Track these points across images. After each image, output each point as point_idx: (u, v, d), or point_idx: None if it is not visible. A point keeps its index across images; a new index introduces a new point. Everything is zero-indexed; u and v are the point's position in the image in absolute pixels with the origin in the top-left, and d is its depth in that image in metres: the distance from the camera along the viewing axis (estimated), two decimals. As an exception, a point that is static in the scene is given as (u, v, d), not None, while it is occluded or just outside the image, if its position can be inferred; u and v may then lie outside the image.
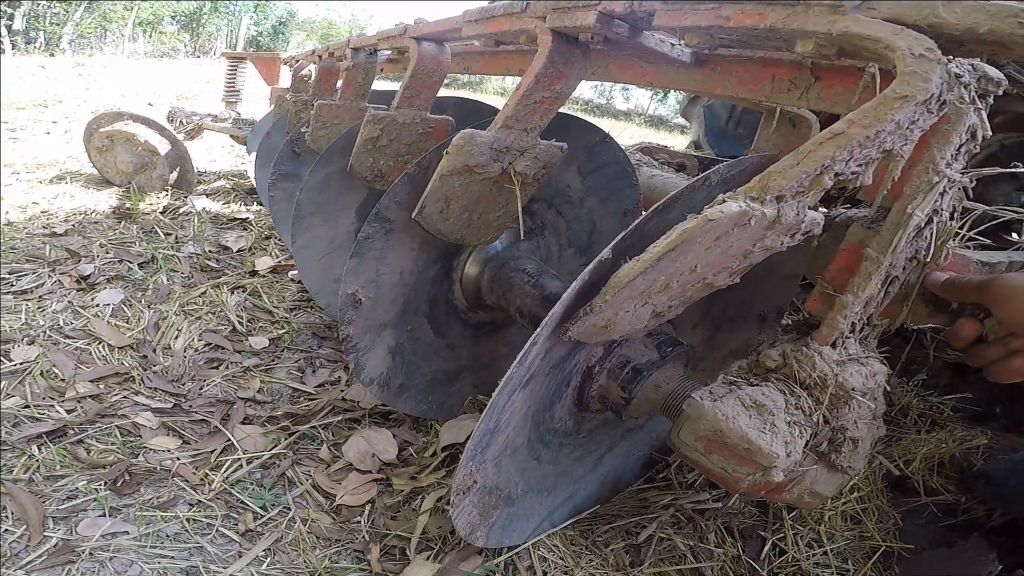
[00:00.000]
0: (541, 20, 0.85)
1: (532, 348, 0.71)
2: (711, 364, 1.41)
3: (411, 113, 1.30)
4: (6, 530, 0.96)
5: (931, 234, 0.84)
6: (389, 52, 1.96)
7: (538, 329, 0.70)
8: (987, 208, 0.94)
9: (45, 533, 0.97)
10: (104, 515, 1.03)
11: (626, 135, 11.95)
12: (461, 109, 1.67)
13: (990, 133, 0.79)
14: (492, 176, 0.99)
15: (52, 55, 14.26)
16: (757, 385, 0.82)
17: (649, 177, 1.76)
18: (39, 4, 15.55)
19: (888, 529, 1.36)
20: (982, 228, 0.96)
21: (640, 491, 1.37)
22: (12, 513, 1.00)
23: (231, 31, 23.29)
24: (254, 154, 2.85)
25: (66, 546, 0.95)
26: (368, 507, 1.19)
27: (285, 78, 3.25)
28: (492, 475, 0.90)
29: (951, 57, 0.62)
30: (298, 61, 2.45)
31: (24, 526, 0.97)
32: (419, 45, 1.21)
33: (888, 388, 0.87)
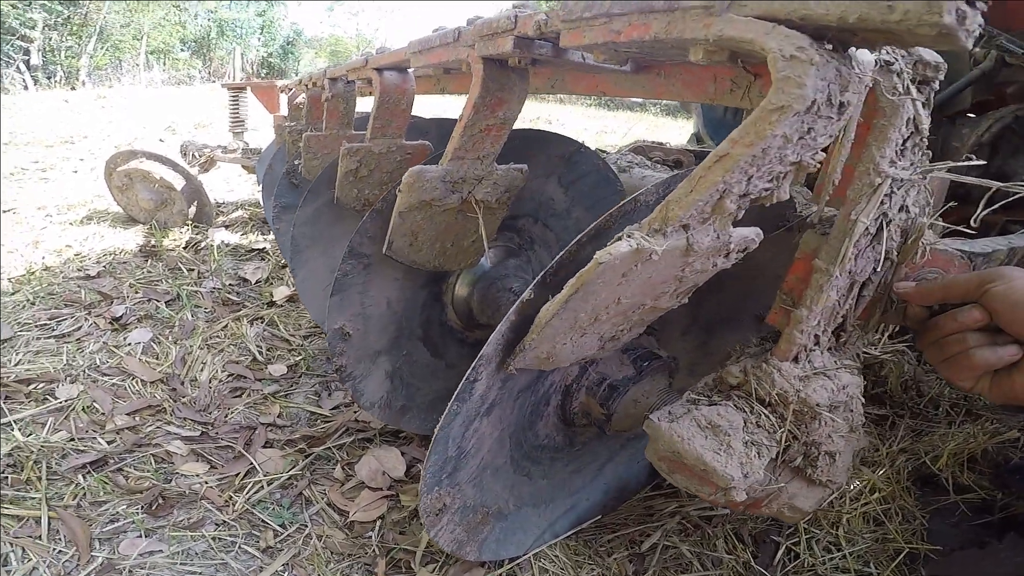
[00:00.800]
0: (472, 49, 0.91)
1: (475, 385, 0.82)
2: (709, 369, 1.50)
3: (385, 143, 1.42)
4: (59, 551, 1.15)
5: (894, 235, 0.83)
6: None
7: (471, 369, 0.79)
8: (1003, 185, 0.87)
9: (92, 553, 1.15)
10: (141, 536, 1.21)
11: (640, 127, 11.84)
12: (441, 129, 1.79)
13: (927, 124, 0.79)
14: (453, 207, 1.11)
15: (73, 88, 15.12)
16: (714, 404, 0.84)
17: (641, 179, 1.83)
18: (52, 39, 16.50)
19: (914, 530, 1.35)
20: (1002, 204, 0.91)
21: (646, 498, 1.45)
22: (64, 536, 1.19)
23: (242, 54, 24.19)
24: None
25: (110, 564, 1.13)
26: (378, 522, 1.34)
27: (285, 106, 3.43)
28: (473, 495, 1.01)
29: (860, 48, 0.58)
30: (291, 89, 2.62)
31: (74, 547, 1.16)
32: (381, 75, 1.31)
33: (863, 400, 0.89)
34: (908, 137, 0.79)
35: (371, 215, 1.22)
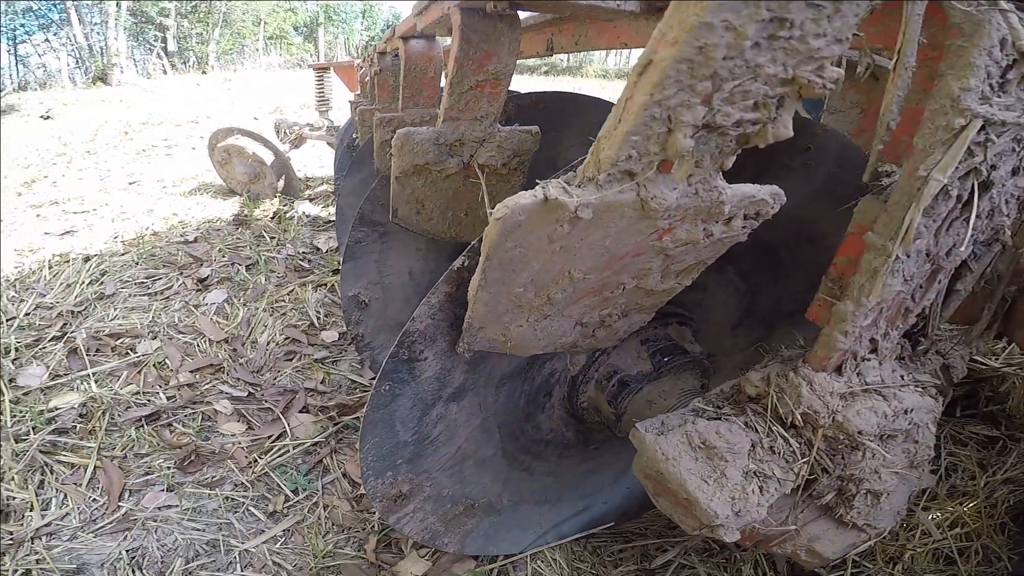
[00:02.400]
0: (452, 0, 0.84)
1: (417, 366, 0.74)
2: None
3: (417, 112, 1.37)
4: (93, 499, 1.24)
5: (1003, 205, 0.61)
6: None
7: (396, 343, 0.71)
8: None
9: (119, 503, 1.23)
10: (164, 490, 1.27)
11: None
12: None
13: None
14: (455, 172, 1.03)
15: (204, 72, 16.67)
16: (717, 419, 0.68)
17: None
18: (183, 26, 18.26)
19: (993, 574, 1.14)
20: None
21: None
22: (101, 485, 1.28)
23: (346, 38, 25.44)
24: (342, 158, 3.14)
25: (129, 515, 1.20)
26: (389, 496, 1.32)
27: (360, 84, 3.53)
28: (449, 484, 0.94)
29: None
30: (361, 67, 2.65)
31: (106, 496, 1.24)
32: (406, 44, 1.27)
33: (934, 428, 0.69)
34: (1004, 63, 0.55)
35: (380, 182, 1.17)
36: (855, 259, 0.61)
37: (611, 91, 13.25)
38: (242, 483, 1.33)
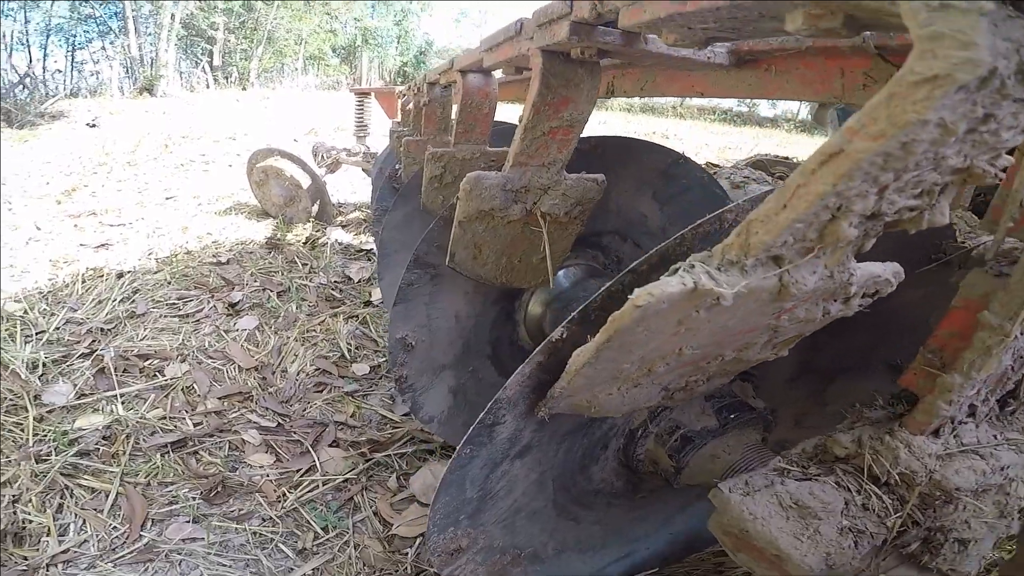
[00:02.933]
0: (531, 41, 0.82)
1: (496, 429, 0.72)
2: (823, 422, 1.28)
3: (469, 149, 1.37)
4: (114, 527, 1.22)
5: None
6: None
7: (486, 411, 0.69)
8: None
9: (141, 532, 1.20)
10: (190, 521, 1.25)
11: (770, 143, 10.99)
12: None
13: None
14: (517, 219, 1.02)
15: (244, 88, 17.19)
16: (807, 479, 0.69)
17: (758, 198, 1.65)
18: (230, 41, 18.95)
19: None
20: None
21: (719, 552, 1.28)
22: (123, 512, 1.26)
23: (380, 63, 26.22)
24: (378, 188, 3.17)
25: (151, 545, 1.18)
26: (419, 539, 1.28)
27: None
28: (500, 536, 0.92)
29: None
30: (404, 95, 2.69)
31: (127, 524, 1.22)
32: (464, 78, 1.26)
33: None
34: None
35: (437, 223, 1.17)
36: (960, 333, 0.61)
37: (636, 124, 13.37)
38: (270, 518, 1.30)
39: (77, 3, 16.94)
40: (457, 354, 1.36)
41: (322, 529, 1.28)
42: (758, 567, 0.69)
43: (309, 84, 21.09)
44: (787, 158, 2.01)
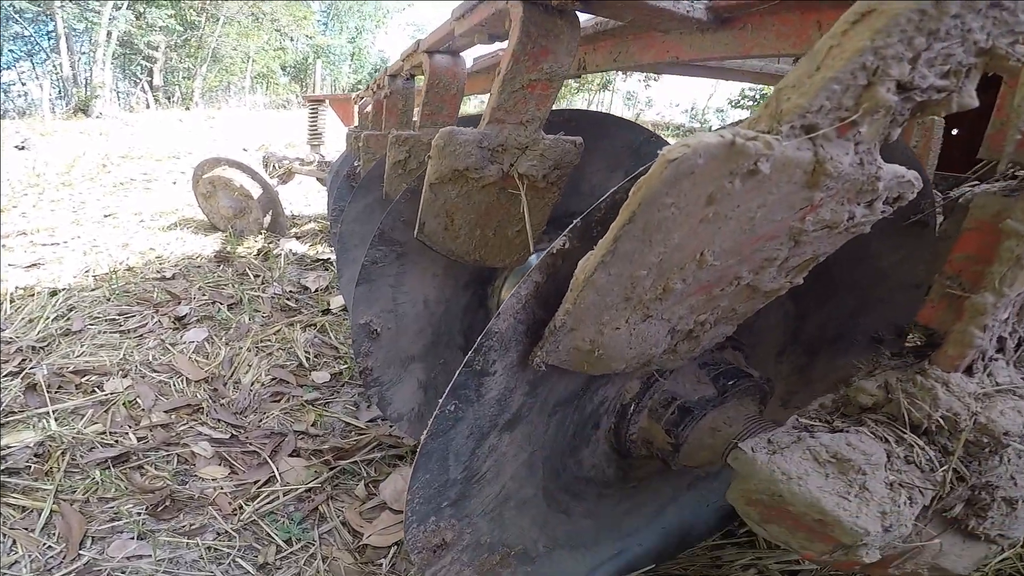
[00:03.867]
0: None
1: (486, 381, 0.65)
2: (807, 401, 1.26)
3: (434, 131, 1.33)
4: (49, 546, 1.09)
5: None
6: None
7: (474, 349, 0.61)
8: None
9: (80, 551, 1.09)
10: (134, 538, 1.13)
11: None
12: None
13: None
14: (492, 181, 0.97)
15: (188, 108, 16.77)
16: (842, 431, 0.63)
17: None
18: (171, 59, 18.51)
19: None
20: None
21: (715, 547, 1.24)
22: (59, 531, 1.13)
23: (334, 80, 26.14)
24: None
25: (92, 565, 1.06)
26: (393, 549, 1.19)
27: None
28: (488, 530, 0.84)
29: None
30: (362, 98, 2.64)
31: (64, 543, 1.09)
32: (431, 58, 1.23)
33: None
34: None
35: (404, 195, 1.11)
36: (978, 253, 0.59)
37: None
38: (226, 532, 1.19)
39: (5, 22, 16.30)
40: (426, 344, 1.30)
41: (285, 542, 1.18)
42: (795, 538, 0.61)
43: (257, 103, 20.74)
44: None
